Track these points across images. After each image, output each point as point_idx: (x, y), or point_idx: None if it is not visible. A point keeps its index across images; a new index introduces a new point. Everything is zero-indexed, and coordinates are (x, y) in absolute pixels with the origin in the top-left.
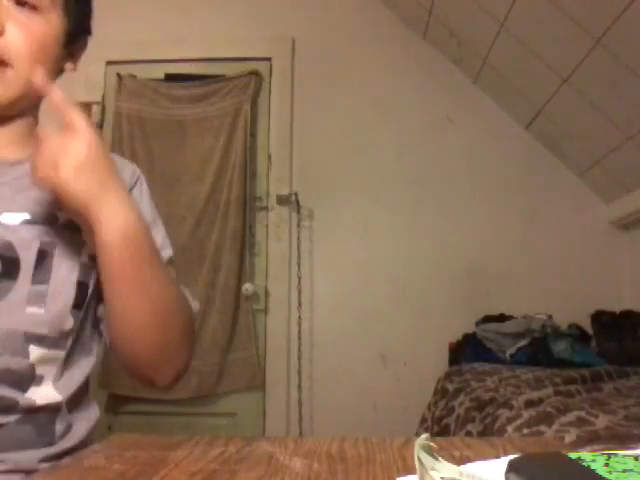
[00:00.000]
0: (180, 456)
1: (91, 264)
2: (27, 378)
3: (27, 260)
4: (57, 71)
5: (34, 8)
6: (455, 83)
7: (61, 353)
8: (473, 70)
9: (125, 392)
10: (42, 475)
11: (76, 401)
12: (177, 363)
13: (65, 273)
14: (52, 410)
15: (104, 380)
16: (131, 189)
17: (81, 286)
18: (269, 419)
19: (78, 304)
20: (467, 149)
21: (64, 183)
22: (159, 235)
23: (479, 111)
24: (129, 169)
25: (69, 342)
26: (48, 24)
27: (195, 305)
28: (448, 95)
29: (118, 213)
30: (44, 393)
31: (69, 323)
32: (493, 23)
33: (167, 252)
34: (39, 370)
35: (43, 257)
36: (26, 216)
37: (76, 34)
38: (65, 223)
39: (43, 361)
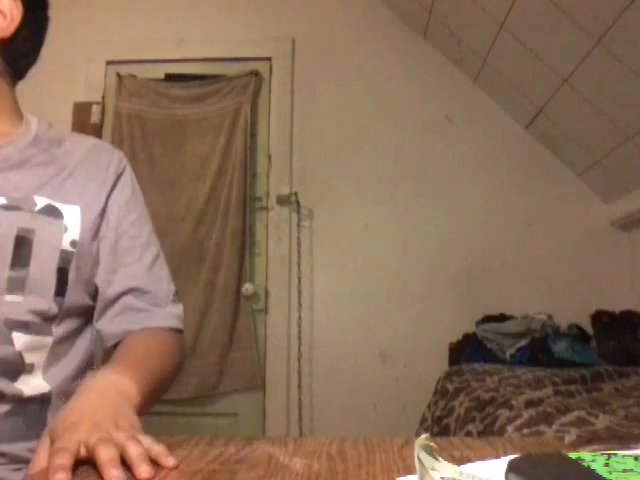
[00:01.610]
0: (180, 456)
1: (72, 250)
2: (16, 366)
3: (5, 246)
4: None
5: None
6: (455, 83)
7: (48, 340)
8: (473, 70)
9: None
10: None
11: (67, 392)
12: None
13: (45, 260)
14: (42, 401)
15: None
16: (118, 177)
17: (61, 272)
18: (269, 419)
19: (60, 291)
20: (467, 149)
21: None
22: (145, 230)
23: (479, 111)
24: (116, 157)
25: (56, 329)
26: None
27: (178, 309)
28: (448, 95)
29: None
30: (33, 383)
31: (52, 309)
32: (493, 23)
33: (153, 250)
34: (28, 358)
35: (21, 243)
36: (3, 201)
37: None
38: (44, 208)
39: (30, 348)
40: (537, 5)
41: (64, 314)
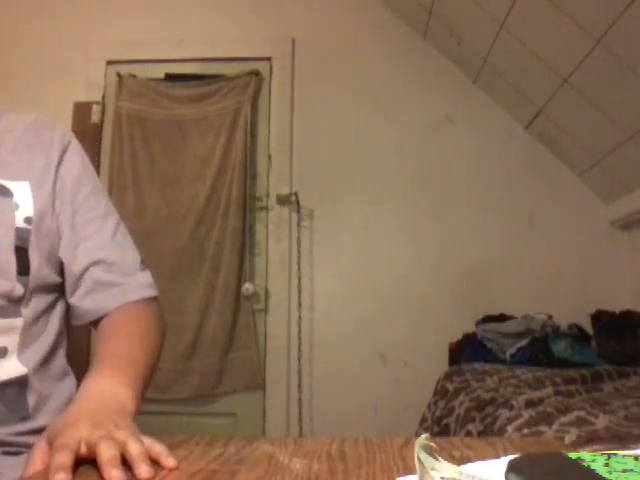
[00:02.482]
0: (180, 456)
1: (28, 227)
2: None
3: None
4: None
5: None
6: (455, 83)
7: (17, 321)
8: (473, 70)
9: None
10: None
11: (45, 372)
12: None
13: (0, 240)
14: (19, 384)
15: None
16: (64, 150)
17: (20, 251)
18: (269, 419)
19: (23, 270)
20: (467, 149)
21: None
22: (102, 202)
23: (479, 111)
24: (58, 131)
25: (25, 310)
26: None
27: (148, 277)
28: (448, 95)
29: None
30: (7, 366)
31: (17, 290)
32: (493, 23)
33: (113, 219)
34: (0, 341)
35: None
36: None
37: None
38: None
39: (0, 331)
40: (537, 5)
41: (31, 293)
